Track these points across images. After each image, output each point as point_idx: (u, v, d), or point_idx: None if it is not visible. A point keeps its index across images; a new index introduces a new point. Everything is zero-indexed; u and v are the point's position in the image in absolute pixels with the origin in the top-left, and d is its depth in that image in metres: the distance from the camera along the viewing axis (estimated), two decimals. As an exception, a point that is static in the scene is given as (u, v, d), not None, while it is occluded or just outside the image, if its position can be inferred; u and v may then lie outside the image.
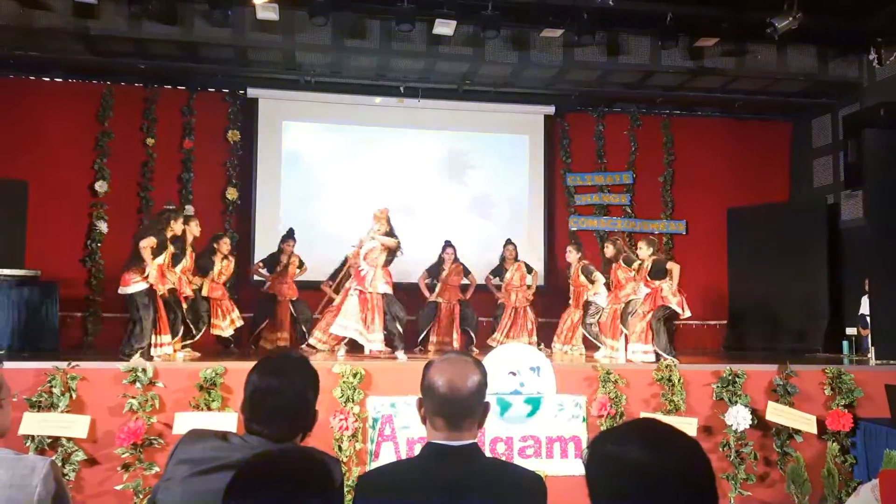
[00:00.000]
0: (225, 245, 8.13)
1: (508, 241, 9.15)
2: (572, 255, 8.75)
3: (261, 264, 8.61)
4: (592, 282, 8.38)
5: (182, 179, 10.17)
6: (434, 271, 9.01)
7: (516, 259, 9.06)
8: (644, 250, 7.73)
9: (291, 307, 8.43)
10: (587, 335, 8.35)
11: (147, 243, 6.64)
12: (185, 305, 7.40)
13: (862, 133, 8.89)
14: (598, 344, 8.15)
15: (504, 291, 8.99)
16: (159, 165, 10.15)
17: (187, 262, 7.45)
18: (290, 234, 8.61)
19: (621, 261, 8.05)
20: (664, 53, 9.50)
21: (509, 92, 10.68)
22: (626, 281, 7.92)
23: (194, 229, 7.65)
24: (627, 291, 7.89)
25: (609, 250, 8.28)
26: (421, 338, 8.75)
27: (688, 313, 7.50)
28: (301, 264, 8.60)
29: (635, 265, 7.83)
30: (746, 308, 10.53)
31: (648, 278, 7.54)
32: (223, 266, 8.07)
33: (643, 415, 5.92)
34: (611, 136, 11.36)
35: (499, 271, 9.11)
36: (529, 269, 9.07)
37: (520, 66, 9.64)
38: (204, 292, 7.85)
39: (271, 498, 1.29)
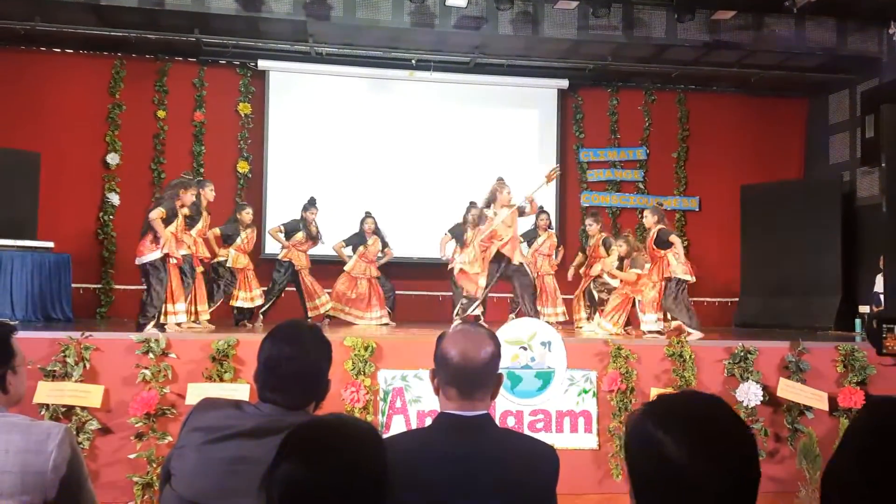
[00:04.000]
0: (247, 215, 8.10)
1: (542, 210, 9.07)
2: (593, 228, 8.73)
3: (281, 228, 8.45)
4: (609, 254, 8.37)
5: (193, 152, 10.17)
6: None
7: (549, 228, 9.08)
8: (649, 218, 7.72)
9: (308, 276, 8.44)
10: (593, 294, 8.44)
11: (156, 214, 6.68)
12: (200, 269, 7.43)
13: (880, 109, 8.75)
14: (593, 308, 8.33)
15: (530, 257, 8.95)
16: (171, 138, 10.15)
17: (202, 225, 7.48)
18: (312, 203, 8.47)
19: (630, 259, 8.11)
20: (680, 27, 9.39)
21: (522, 66, 10.59)
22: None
23: (209, 194, 7.68)
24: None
25: (622, 248, 8.25)
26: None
27: (693, 279, 7.53)
28: (318, 235, 8.52)
29: (642, 262, 7.81)
30: (759, 285, 10.49)
31: (654, 247, 7.54)
32: (247, 235, 8.06)
33: (654, 391, 5.92)
34: (625, 112, 11.26)
35: (531, 235, 9.06)
36: (558, 244, 9.13)
37: (533, 40, 9.55)
38: (230, 263, 7.86)
39: (324, 469, 1.24)
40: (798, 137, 11.66)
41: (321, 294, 8.44)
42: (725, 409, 1.22)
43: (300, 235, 8.32)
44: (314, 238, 8.43)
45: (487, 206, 7.97)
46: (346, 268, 8.63)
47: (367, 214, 8.80)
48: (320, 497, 1.23)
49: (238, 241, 7.93)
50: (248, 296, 8.01)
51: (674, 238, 7.58)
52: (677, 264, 7.40)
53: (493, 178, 10.26)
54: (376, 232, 8.72)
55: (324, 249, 8.85)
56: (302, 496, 1.23)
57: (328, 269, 8.94)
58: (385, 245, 8.80)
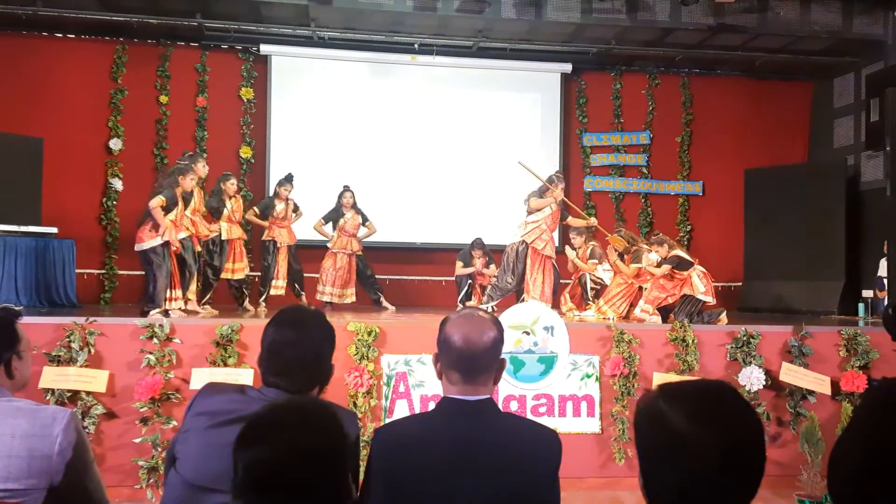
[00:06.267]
0: (231, 186, 8.05)
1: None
2: (578, 241, 8.41)
3: (255, 211, 8.42)
4: (594, 266, 8.31)
5: (196, 137, 10.16)
6: (466, 260, 8.99)
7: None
8: (662, 250, 7.62)
9: (288, 254, 8.42)
10: (587, 284, 8.38)
11: (156, 203, 6.70)
12: (199, 248, 7.43)
13: (885, 92, 8.71)
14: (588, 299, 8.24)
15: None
16: (173, 123, 10.14)
17: (196, 202, 7.45)
18: (287, 179, 8.43)
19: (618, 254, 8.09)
20: (684, 10, 9.34)
21: (525, 50, 10.54)
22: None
23: (201, 170, 7.62)
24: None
25: (619, 245, 8.23)
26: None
27: (713, 300, 7.40)
28: (296, 208, 8.51)
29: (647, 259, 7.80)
30: (762, 269, 10.48)
31: (676, 270, 7.45)
32: (233, 205, 8.05)
33: (656, 376, 5.94)
34: (628, 96, 11.21)
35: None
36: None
37: (536, 23, 9.50)
38: (224, 235, 7.88)
39: (280, 447, 1.30)
40: (802, 121, 11.61)
41: (280, 278, 8.35)
42: (730, 388, 1.26)
43: (276, 211, 8.31)
44: (285, 217, 8.36)
45: (540, 195, 7.91)
46: (328, 244, 8.63)
47: (345, 188, 8.73)
48: (283, 475, 1.29)
49: (225, 212, 7.93)
50: (233, 267, 8.03)
51: (681, 252, 7.59)
52: (701, 285, 7.31)
53: (496, 163, 10.26)
54: (354, 206, 8.68)
55: (311, 233, 8.85)
56: (265, 477, 1.29)
57: (317, 252, 8.92)
58: (365, 219, 8.72)
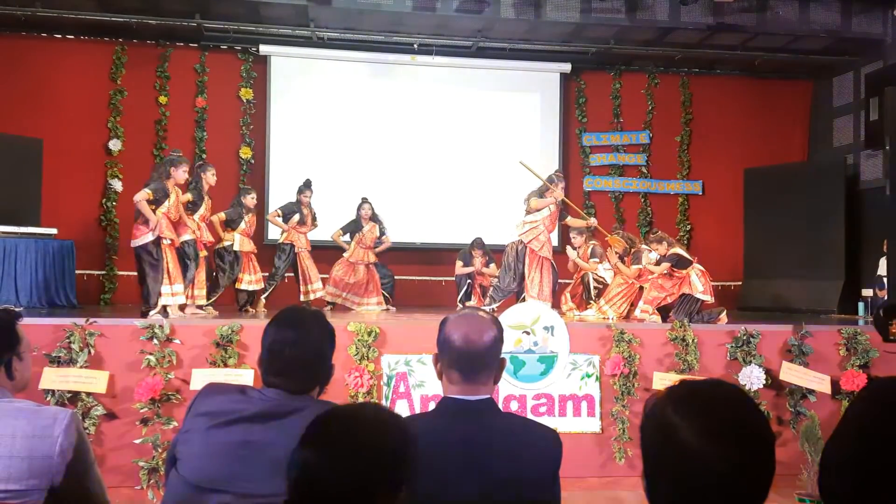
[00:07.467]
0: (251, 200, 8.10)
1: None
2: (578, 240, 8.39)
3: (279, 212, 8.45)
4: (595, 265, 8.31)
5: (195, 138, 10.16)
6: (466, 259, 8.96)
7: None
8: (661, 248, 7.62)
9: (307, 260, 8.46)
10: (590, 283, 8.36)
11: (140, 196, 6.52)
12: (204, 254, 7.42)
13: (884, 91, 8.71)
14: (590, 297, 8.23)
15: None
16: (172, 124, 10.14)
17: (204, 210, 7.42)
18: (307, 185, 8.48)
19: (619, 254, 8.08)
20: (683, 9, 9.35)
21: (525, 49, 10.54)
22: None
23: (210, 178, 7.56)
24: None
25: (618, 246, 8.24)
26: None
27: (711, 299, 7.39)
28: (314, 218, 8.56)
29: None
30: (762, 268, 10.49)
31: (675, 268, 7.45)
32: (250, 219, 8.07)
33: (657, 375, 5.94)
34: (628, 96, 11.21)
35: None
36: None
37: (536, 23, 9.51)
38: (236, 247, 7.87)
39: (333, 453, 1.28)
40: (802, 120, 11.62)
41: (316, 280, 8.45)
42: (745, 398, 1.22)
43: (296, 218, 8.35)
44: (306, 223, 8.43)
45: (540, 195, 7.90)
46: (345, 254, 8.64)
47: (364, 200, 8.78)
48: (332, 483, 1.26)
49: (242, 225, 7.95)
50: (252, 278, 8.06)
51: (681, 251, 7.59)
52: (699, 284, 7.30)
53: (496, 163, 10.24)
54: (373, 218, 8.70)
55: (325, 235, 8.86)
56: (314, 482, 1.27)
57: (327, 254, 8.93)
58: (383, 232, 8.76)
